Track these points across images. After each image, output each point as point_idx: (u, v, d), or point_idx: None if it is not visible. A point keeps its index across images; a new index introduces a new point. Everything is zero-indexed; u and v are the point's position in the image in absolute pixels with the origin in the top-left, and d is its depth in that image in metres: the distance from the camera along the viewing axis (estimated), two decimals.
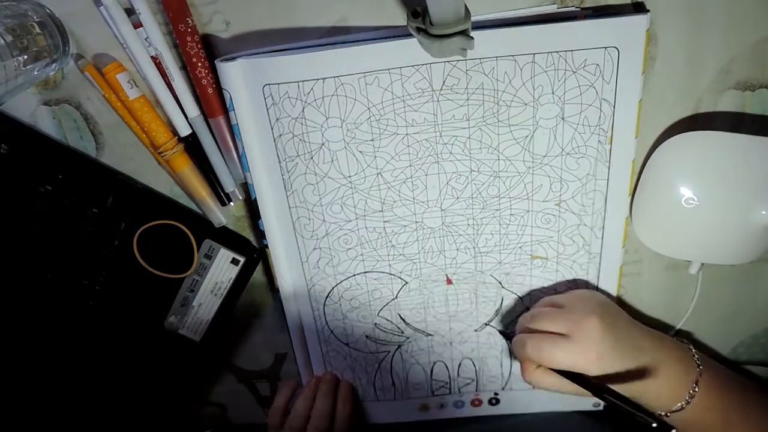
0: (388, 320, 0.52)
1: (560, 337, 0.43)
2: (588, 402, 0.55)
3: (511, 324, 0.52)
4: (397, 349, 0.54)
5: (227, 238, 0.50)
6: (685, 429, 0.43)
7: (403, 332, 0.53)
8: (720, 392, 0.43)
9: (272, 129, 0.44)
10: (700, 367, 0.44)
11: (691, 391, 0.43)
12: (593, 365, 0.42)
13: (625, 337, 0.43)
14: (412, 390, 0.56)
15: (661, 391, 0.43)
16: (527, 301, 0.51)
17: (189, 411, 0.61)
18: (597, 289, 0.50)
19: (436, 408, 0.57)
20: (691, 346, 0.46)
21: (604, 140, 0.43)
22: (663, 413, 0.43)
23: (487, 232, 0.48)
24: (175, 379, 0.55)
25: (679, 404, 0.43)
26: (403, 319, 0.52)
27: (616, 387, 0.42)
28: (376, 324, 0.52)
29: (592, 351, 0.42)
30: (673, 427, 0.39)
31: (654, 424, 0.39)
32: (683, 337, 0.52)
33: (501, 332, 0.51)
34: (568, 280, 0.49)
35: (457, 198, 0.46)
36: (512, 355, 0.54)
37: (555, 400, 0.55)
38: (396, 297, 0.51)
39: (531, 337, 0.44)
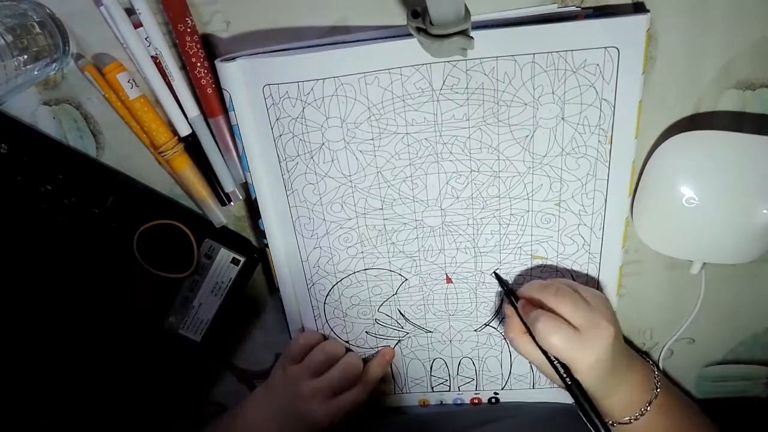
0: (388, 315, 0.52)
1: (572, 327, 0.42)
2: None
3: (515, 281, 0.50)
4: (396, 344, 0.54)
5: (227, 238, 0.50)
6: None
7: (402, 327, 0.53)
8: (667, 416, 0.46)
9: (272, 129, 0.44)
10: (658, 390, 0.46)
11: (642, 410, 0.45)
12: (586, 369, 0.42)
13: (617, 358, 0.44)
14: (412, 384, 0.56)
15: (619, 404, 0.45)
16: None
17: (189, 411, 0.61)
18: None
19: (435, 404, 0.57)
20: (655, 368, 0.49)
21: (604, 140, 0.43)
22: (611, 422, 0.46)
23: (487, 232, 0.48)
24: (175, 379, 0.55)
25: (628, 418, 0.45)
26: (402, 315, 0.52)
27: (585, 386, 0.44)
28: (376, 320, 0.52)
29: (593, 357, 0.42)
30: None
31: None
32: (687, 338, 0.53)
33: (500, 281, 0.49)
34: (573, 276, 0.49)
35: (457, 198, 0.46)
36: (499, 311, 0.51)
37: (554, 400, 0.55)
38: (396, 293, 0.51)
39: (546, 315, 0.43)
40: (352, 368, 0.50)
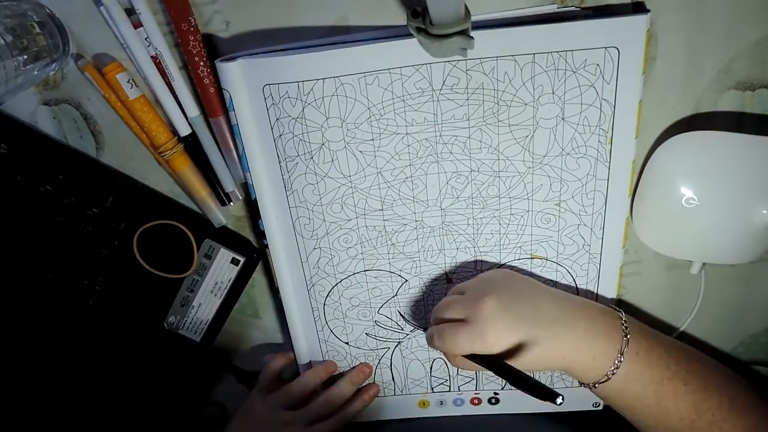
0: (388, 317, 0.52)
1: (459, 323, 0.41)
2: (588, 402, 0.55)
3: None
4: (396, 345, 0.54)
5: (227, 238, 0.50)
6: (617, 400, 0.42)
7: (402, 329, 0.53)
8: (650, 363, 0.41)
9: (272, 129, 0.44)
10: (627, 336, 0.41)
11: (616, 362, 0.41)
12: (493, 346, 0.40)
13: (531, 312, 0.41)
14: (412, 386, 0.56)
15: (585, 362, 0.41)
16: None
17: (189, 411, 0.61)
18: (514, 268, 0.49)
19: (435, 405, 0.57)
20: (621, 313, 0.44)
21: (604, 140, 0.43)
22: (591, 385, 0.42)
23: (487, 231, 0.48)
24: (175, 379, 0.55)
25: (605, 376, 0.41)
26: (402, 316, 0.52)
27: (534, 365, 0.41)
28: (376, 321, 0.52)
29: (488, 332, 0.40)
30: (558, 395, 0.37)
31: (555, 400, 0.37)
32: (687, 338, 0.53)
33: (411, 323, 0.50)
34: (567, 282, 0.49)
35: (457, 198, 0.46)
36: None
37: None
38: (396, 294, 0.51)
39: (436, 328, 0.42)
40: (332, 403, 0.51)
